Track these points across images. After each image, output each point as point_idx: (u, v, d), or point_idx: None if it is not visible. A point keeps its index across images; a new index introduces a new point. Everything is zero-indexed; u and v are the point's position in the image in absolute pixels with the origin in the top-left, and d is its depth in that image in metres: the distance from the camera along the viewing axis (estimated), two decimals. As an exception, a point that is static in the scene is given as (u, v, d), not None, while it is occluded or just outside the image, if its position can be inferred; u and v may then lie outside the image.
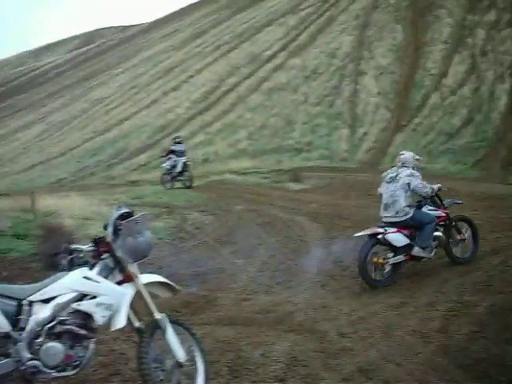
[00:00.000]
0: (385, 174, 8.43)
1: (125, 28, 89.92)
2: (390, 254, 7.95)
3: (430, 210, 8.36)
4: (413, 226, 8.07)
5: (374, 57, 30.97)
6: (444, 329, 6.33)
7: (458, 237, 8.53)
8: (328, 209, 14.06)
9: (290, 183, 18.92)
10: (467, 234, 8.62)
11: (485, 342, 5.90)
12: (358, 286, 8.31)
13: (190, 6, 73.02)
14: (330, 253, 10.18)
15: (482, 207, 12.99)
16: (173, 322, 4.64)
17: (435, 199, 8.56)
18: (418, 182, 8.06)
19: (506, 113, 23.28)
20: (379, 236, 7.89)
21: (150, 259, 9.07)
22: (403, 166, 8.24)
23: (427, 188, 8.20)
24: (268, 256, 10.44)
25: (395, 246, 7.95)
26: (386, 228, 7.99)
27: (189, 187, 19.32)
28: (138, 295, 4.53)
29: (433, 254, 8.32)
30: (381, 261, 7.87)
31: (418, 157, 8.65)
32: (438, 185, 8.53)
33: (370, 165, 22.49)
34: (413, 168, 8.30)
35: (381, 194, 8.32)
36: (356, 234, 8.27)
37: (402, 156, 8.40)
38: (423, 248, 8.08)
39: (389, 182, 8.16)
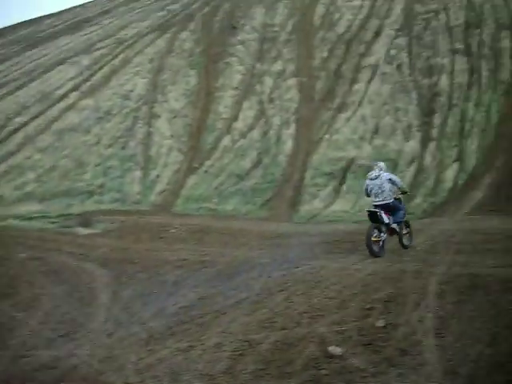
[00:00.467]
0: (369, 174, 11.84)
1: None
2: (381, 234, 11.26)
3: None
4: (391, 209, 11.54)
5: (167, 100, 31.26)
6: (231, 369, 6.37)
7: (404, 230, 11.98)
8: (118, 253, 13.66)
9: (79, 228, 18.08)
10: (407, 229, 12.12)
11: (269, 379, 6.02)
12: (145, 333, 8.08)
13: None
14: (118, 299, 9.85)
15: (268, 246, 13.52)
16: None
17: (397, 199, 11.92)
18: (397, 178, 11.99)
19: (292, 155, 24.72)
20: (378, 213, 11.29)
21: None
22: (380, 170, 11.68)
23: (403, 182, 12.39)
24: (52, 307, 9.84)
25: (382, 226, 11.27)
26: (379, 211, 11.39)
27: None
28: None
29: (399, 230, 11.70)
30: (377, 239, 11.20)
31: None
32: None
33: (163, 207, 22.38)
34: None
35: (367, 187, 11.66)
36: (366, 209, 11.67)
37: (379, 164, 11.98)
38: (397, 223, 11.56)
39: (373, 179, 11.60)
